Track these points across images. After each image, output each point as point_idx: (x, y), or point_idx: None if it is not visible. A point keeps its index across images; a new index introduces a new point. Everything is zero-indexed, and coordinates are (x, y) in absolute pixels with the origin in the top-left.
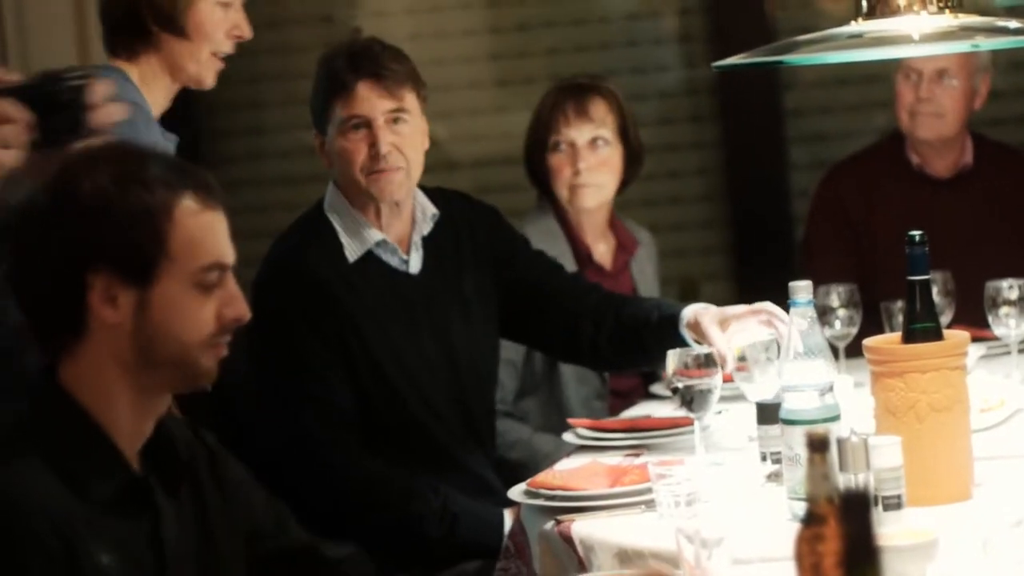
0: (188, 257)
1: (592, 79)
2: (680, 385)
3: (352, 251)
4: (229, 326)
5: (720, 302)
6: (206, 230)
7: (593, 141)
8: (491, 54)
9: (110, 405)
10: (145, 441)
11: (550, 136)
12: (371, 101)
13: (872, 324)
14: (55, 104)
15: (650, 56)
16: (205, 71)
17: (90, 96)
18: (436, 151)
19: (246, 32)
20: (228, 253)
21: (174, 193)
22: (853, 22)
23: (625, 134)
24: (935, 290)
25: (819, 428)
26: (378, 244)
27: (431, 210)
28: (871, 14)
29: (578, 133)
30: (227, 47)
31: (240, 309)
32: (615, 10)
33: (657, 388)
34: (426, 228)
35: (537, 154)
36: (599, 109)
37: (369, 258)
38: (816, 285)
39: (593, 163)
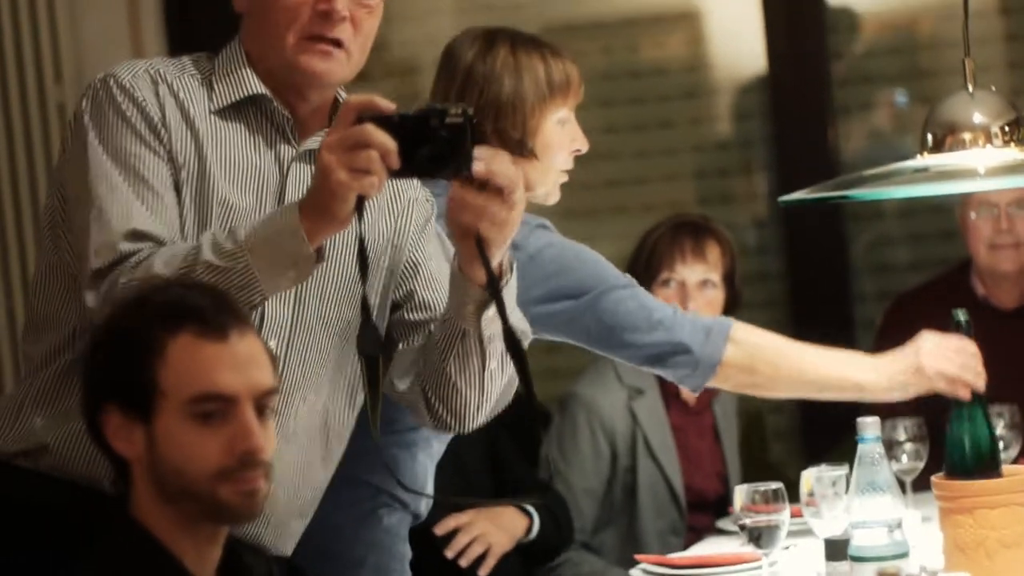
0: (178, 390)
1: (706, 220)
2: (747, 521)
3: None
4: (243, 460)
5: (785, 434)
6: (200, 362)
7: (704, 282)
8: None
9: (170, 531)
10: (218, 564)
11: (661, 271)
12: None
13: (939, 457)
14: (425, 136)
15: (715, 188)
16: (552, 189)
17: (470, 137)
18: None
19: (583, 145)
20: (229, 383)
21: (170, 328)
22: (918, 155)
23: (731, 279)
24: (1001, 423)
25: (888, 565)
26: None
27: None
28: (936, 148)
29: (691, 272)
30: (569, 163)
31: (249, 443)
32: (679, 143)
33: (724, 523)
34: None
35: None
36: (714, 252)
37: None
38: (882, 418)
39: (701, 304)
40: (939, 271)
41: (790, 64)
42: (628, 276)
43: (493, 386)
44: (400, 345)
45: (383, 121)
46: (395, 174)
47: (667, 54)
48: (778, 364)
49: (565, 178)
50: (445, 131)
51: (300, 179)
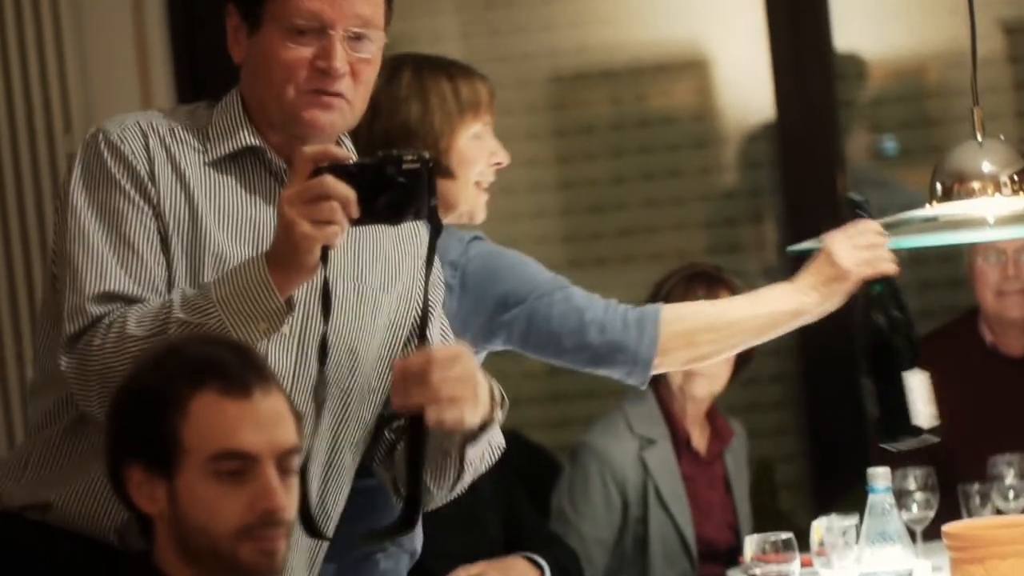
0: (200, 447)
1: (718, 271)
2: (758, 571)
3: None
4: (264, 519)
5: (796, 483)
6: (222, 419)
7: None
8: (564, 235)
9: None
10: None
11: None
12: None
13: (949, 507)
14: (383, 183)
15: (723, 238)
16: (476, 206)
17: (427, 181)
18: None
19: (504, 157)
20: (251, 442)
21: (192, 384)
22: (928, 205)
23: None
24: (1011, 473)
25: None
26: None
27: None
28: (946, 197)
29: None
30: (489, 176)
31: (270, 502)
32: (689, 193)
33: (735, 573)
34: None
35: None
36: None
37: None
38: (892, 468)
39: None
40: (948, 319)
41: (798, 112)
42: (561, 278)
43: (464, 483)
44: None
45: (340, 171)
46: (356, 222)
47: (675, 103)
48: (714, 325)
49: (486, 196)
50: (403, 177)
51: None
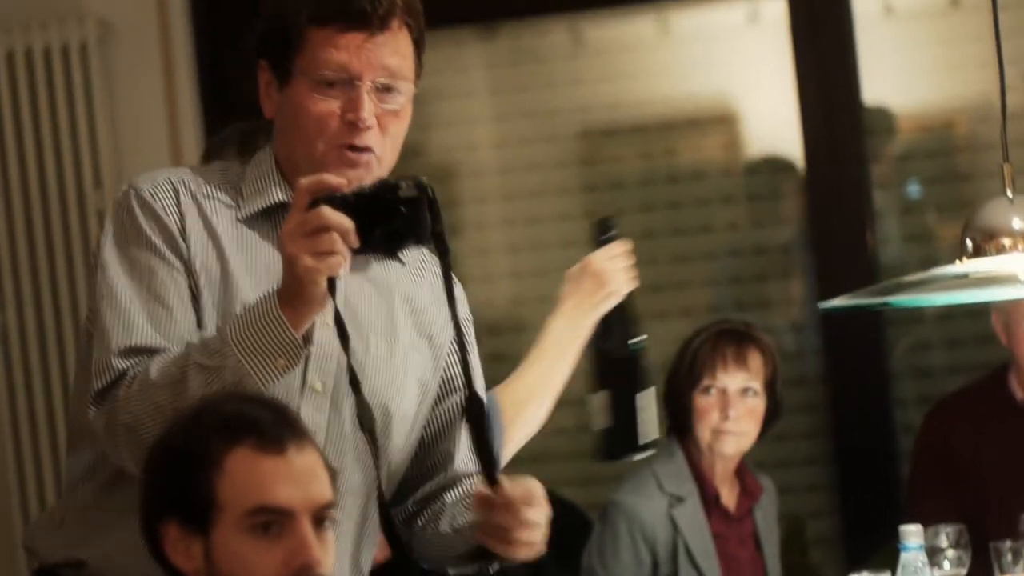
0: (235, 503)
1: (748, 327)
2: None
3: None
4: (301, 574)
5: (827, 540)
6: (258, 475)
7: (745, 390)
8: None
9: None
10: None
11: (703, 379)
12: None
13: (981, 565)
14: (381, 211)
15: (754, 293)
16: None
17: (427, 208)
18: None
19: None
20: (286, 497)
21: (227, 441)
22: (958, 261)
23: (772, 387)
24: None
25: None
26: None
27: None
28: (976, 253)
29: (732, 380)
30: None
31: (306, 557)
32: (718, 247)
33: None
34: None
35: (682, 392)
36: (756, 360)
37: None
38: (924, 525)
39: (742, 411)
40: (978, 375)
41: (828, 167)
42: None
43: None
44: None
45: (337, 201)
46: (356, 252)
47: (705, 158)
48: (526, 401)
49: None
50: (401, 205)
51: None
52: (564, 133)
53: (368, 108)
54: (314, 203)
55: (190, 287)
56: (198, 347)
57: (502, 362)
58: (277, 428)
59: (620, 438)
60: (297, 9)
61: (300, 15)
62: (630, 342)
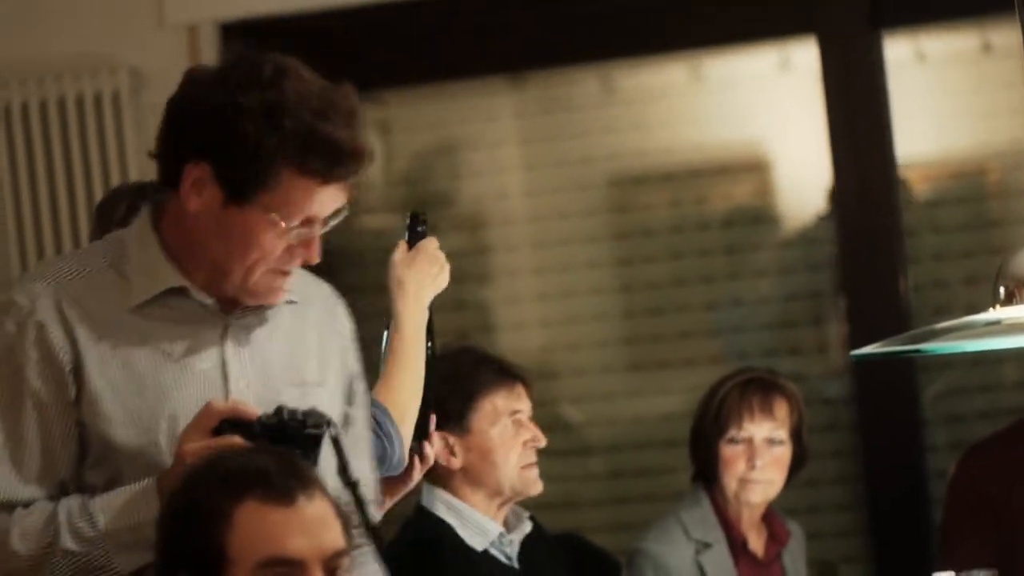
0: (246, 556)
1: (773, 375)
2: None
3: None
4: None
5: None
6: (267, 527)
7: (771, 440)
8: (624, 338)
9: None
10: None
11: (729, 428)
12: None
13: None
14: (284, 442)
15: (783, 339)
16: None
17: (320, 447)
18: (570, 435)
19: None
20: (297, 548)
21: (235, 494)
22: (991, 309)
23: (798, 435)
24: None
25: None
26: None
27: None
28: (1008, 300)
29: (758, 429)
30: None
31: None
32: (746, 295)
33: None
34: None
35: (709, 441)
36: (782, 409)
37: None
38: (956, 571)
39: (768, 461)
40: (1010, 421)
41: (859, 213)
42: None
43: None
44: None
45: (244, 428)
46: None
47: (735, 205)
48: (408, 399)
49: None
50: (304, 441)
51: (238, 345)
52: (594, 181)
53: (319, 247)
54: (221, 425)
55: (64, 402)
56: (68, 529)
57: (535, 409)
58: (285, 478)
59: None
60: (275, 148)
61: (278, 155)
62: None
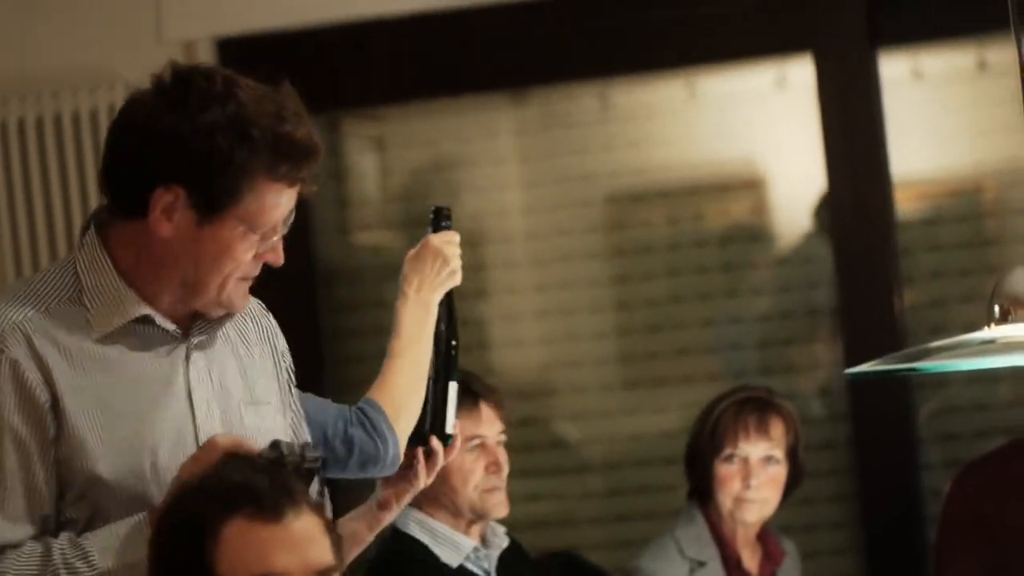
0: (234, 572)
1: (770, 394)
2: None
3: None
4: None
5: None
6: (255, 544)
7: (767, 459)
8: (621, 355)
9: None
10: None
11: (724, 447)
12: None
13: None
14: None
15: (779, 357)
16: None
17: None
18: (567, 453)
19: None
20: (284, 565)
21: (224, 511)
22: (986, 327)
23: (794, 454)
24: None
25: None
26: None
27: None
28: (1003, 319)
29: (754, 449)
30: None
31: None
32: (744, 312)
33: None
34: None
35: (704, 459)
36: (777, 428)
37: None
38: None
39: (764, 480)
40: (1005, 440)
41: (855, 231)
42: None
43: None
44: None
45: (247, 464)
46: None
47: (732, 222)
48: (404, 400)
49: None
50: (302, 473)
51: (199, 368)
52: (592, 198)
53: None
54: (223, 460)
55: (56, 458)
56: (64, 568)
57: (532, 427)
58: (273, 495)
59: (433, 423)
60: (247, 159)
61: (250, 165)
62: (452, 334)
